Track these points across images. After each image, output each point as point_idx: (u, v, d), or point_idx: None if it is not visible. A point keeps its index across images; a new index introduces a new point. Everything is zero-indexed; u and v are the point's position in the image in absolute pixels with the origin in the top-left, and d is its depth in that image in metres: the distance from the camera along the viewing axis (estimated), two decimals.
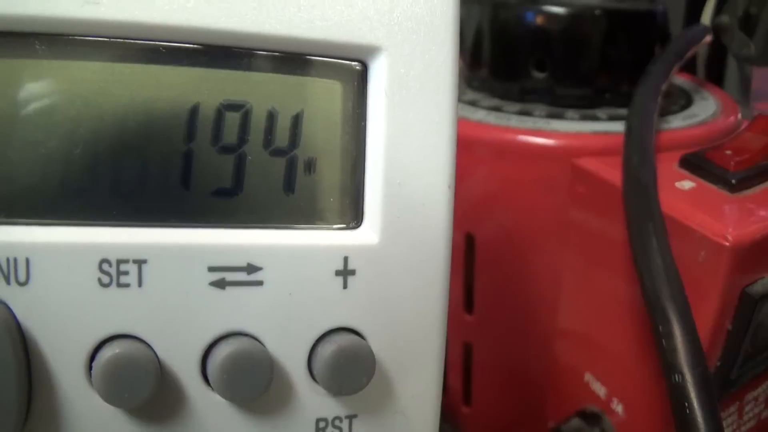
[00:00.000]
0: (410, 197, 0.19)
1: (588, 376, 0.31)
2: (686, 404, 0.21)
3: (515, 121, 0.32)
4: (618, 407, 0.30)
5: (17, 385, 0.17)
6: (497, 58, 0.34)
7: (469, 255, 0.33)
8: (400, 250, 0.19)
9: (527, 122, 0.31)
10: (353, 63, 0.19)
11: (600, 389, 0.31)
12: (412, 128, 0.19)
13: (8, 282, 0.17)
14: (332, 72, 0.19)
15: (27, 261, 0.17)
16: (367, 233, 0.19)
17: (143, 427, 0.18)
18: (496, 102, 0.34)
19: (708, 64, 0.46)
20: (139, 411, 0.18)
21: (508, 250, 0.33)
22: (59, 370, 0.17)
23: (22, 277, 0.17)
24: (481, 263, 0.33)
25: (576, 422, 0.31)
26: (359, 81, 0.19)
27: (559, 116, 0.32)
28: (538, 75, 0.33)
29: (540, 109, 0.33)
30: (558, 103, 0.33)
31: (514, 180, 0.31)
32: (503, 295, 0.34)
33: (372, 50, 0.19)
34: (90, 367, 0.17)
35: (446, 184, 0.19)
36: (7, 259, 0.17)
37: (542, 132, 0.30)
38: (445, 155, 0.19)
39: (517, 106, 0.33)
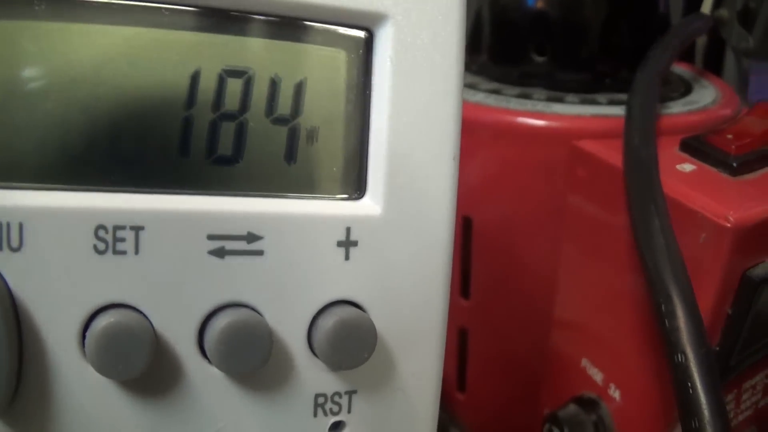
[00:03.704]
0: (414, 168, 0.19)
1: (585, 362, 0.31)
2: (689, 384, 0.21)
3: (514, 103, 0.31)
4: (615, 393, 0.30)
5: (8, 355, 0.16)
6: (497, 41, 0.34)
7: (466, 238, 0.33)
8: (404, 222, 0.19)
9: (527, 104, 0.31)
10: (359, 31, 0.19)
11: (597, 375, 0.31)
12: (418, 98, 0.19)
13: (0, 248, 0.16)
14: (337, 40, 0.19)
15: (20, 226, 0.16)
16: (370, 204, 0.19)
17: (137, 400, 0.18)
18: (495, 85, 0.34)
19: (706, 58, 0.46)
20: (133, 383, 0.17)
21: (506, 233, 0.32)
22: (51, 339, 0.17)
23: (15, 243, 0.16)
24: (478, 247, 0.33)
25: (572, 408, 0.30)
26: (364, 49, 0.19)
27: (558, 100, 0.32)
28: (538, 59, 0.33)
29: (539, 92, 0.33)
30: (558, 87, 0.33)
31: (512, 163, 0.31)
32: (500, 280, 0.33)
33: (378, 18, 0.18)
34: (83, 337, 0.17)
35: (451, 156, 0.19)
36: (0, 224, 0.16)
37: (542, 114, 0.30)
38: (450, 126, 0.19)
39: (516, 90, 0.33)
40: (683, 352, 0.22)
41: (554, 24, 0.32)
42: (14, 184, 0.17)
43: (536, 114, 0.30)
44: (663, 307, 0.22)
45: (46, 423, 0.17)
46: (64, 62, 0.17)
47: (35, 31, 0.17)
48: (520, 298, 0.33)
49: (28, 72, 0.17)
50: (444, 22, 0.19)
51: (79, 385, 0.17)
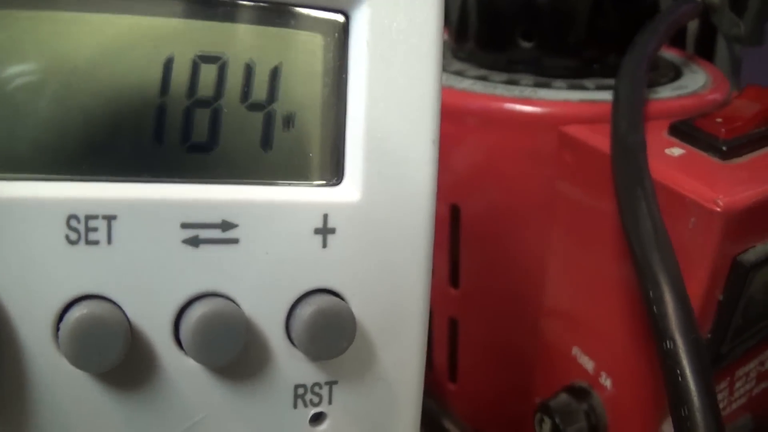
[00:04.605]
0: (393, 153, 0.18)
1: (576, 350, 0.31)
2: (678, 371, 0.21)
3: (502, 89, 0.31)
4: (606, 381, 0.29)
5: None
6: (484, 27, 0.34)
7: (454, 227, 0.32)
8: (383, 208, 0.18)
9: (514, 91, 0.31)
10: (335, 14, 0.18)
11: (588, 363, 0.30)
12: (395, 82, 0.18)
13: None
14: (313, 24, 0.18)
15: None
16: (348, 190, 0.18)
17: (112, 392, 0.17)
18: (482, 72, 0.33)
19: (698, 44, 0.46)
20: (108, 376, 0.17)
21: (494, 221, 0.32)
22: (25, 331, 0.17)
23: None
24: (467, 236, 0.32)
25: (563, 398, 0.30)
26: (341, 33, 0.18)
27: (546, 85, 0.31)
28: (525, 45, 0.32)
29: (527, 78, 0.32)
30: (545, 73, 0.32)
31: (500, 150, 0.31)
32: (489, 269, 0.33)
33: (354, 0, 0.18)
34: (57, 329, 0.17)
35: (430, 140, 0.19)
36: None
37: (529, 100, 0.30)
38: (429, 109, 0.19)
39: (503, 76, 0.33)
40: (672, 339, 0.21)
41: (541, 9, 0.32)
42: None
43: (524, 100, 0.30)
44: (651, 293, 0.22)
45: (21, 416, 0.17)
46: (34, 50, 0.16)
47: (6, 20, 0.16)
48: (509, 287, 0.33)
49: None
50: (421, 4, 0.18)
51: (54, 378, 0.17)
